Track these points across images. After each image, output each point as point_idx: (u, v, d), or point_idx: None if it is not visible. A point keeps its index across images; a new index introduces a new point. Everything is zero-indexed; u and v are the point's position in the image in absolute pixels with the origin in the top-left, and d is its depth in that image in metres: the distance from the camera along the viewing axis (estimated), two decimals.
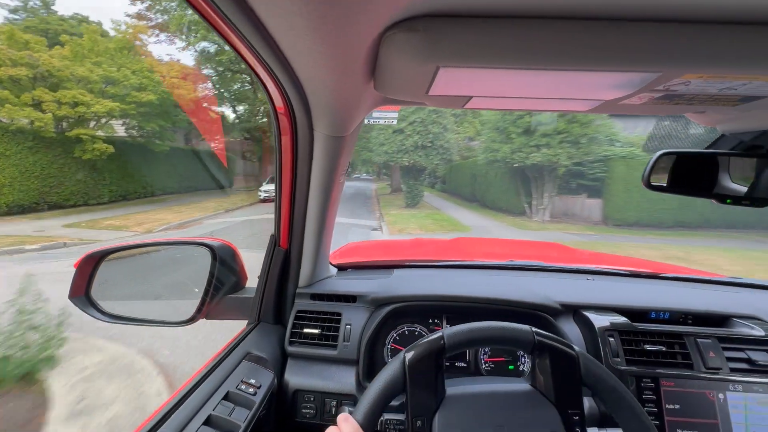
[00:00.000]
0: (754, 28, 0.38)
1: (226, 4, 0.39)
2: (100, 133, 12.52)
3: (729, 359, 0.82)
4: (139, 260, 1.17)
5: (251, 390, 0.77)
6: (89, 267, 0.96)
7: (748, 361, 0.82)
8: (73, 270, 0.93)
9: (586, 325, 0.91)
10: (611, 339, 0.85)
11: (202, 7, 0.41)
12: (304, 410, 0.89)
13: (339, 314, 1.00)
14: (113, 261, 1.02)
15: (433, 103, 0.66)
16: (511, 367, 0.96)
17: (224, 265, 1.02)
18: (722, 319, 0.93)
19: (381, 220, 12.01)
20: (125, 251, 1.04)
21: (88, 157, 11.66)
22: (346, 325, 0.98)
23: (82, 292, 0.95)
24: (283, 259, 1.01)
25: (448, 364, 0.99)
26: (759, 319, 0.91)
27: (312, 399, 0.90)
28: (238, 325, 1.03)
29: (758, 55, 0.39)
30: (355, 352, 0.95)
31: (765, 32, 0.38)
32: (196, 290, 0.98)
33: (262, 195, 18.65)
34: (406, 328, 1.01)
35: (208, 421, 0.66)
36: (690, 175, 0.77)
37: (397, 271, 1.22)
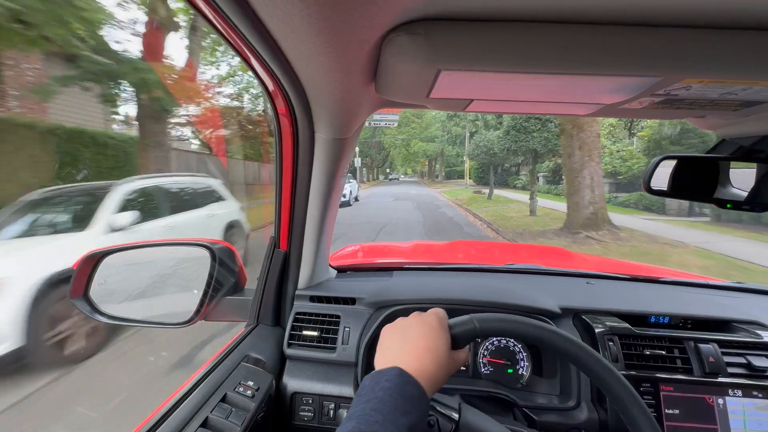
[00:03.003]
0: (754, 33, 0.38)
1: (228, 5, 0.40)
2: None
3: (728, 364, 0.82)
4: None
5: (249, 392, 0.76)
6: (88, 267, 0.96)
7: (748, 366, 0.81)
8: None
9: (586, 330, 0.91)
10: (611, 343, 0.85)
11: (203, 8, 0.41)
12: (302, 413, 0.89)
13: (338, 316, 1.00)
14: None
15: (434, 105, 0.66)
16: (510, 371, 0.96)
17: (223, 266, 1.02)
18: (722, 324, 0.93)
19: None
20: (125, 251, 1.04)
21: None
22: (345, 327, 0.98)
23: (81, 292, 0.94)
24: (282, 261, 1.01)
25: None
26: (760, 324, 0.91)
27: (310, 402, 0.89)
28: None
29: (758, 60, 0.39)
30: (354, 354, 0.94)
31: (765, 38, 0.38)
32: (195, 291, 0.98)
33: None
34: None
35: (205, 424, 0.66)
36: (690, 179, 0.77)
37: (396, 274, 1.22)
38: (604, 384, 0.51)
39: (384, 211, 13.06)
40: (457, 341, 0.55)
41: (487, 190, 18.75)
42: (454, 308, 0.98)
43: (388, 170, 52.80)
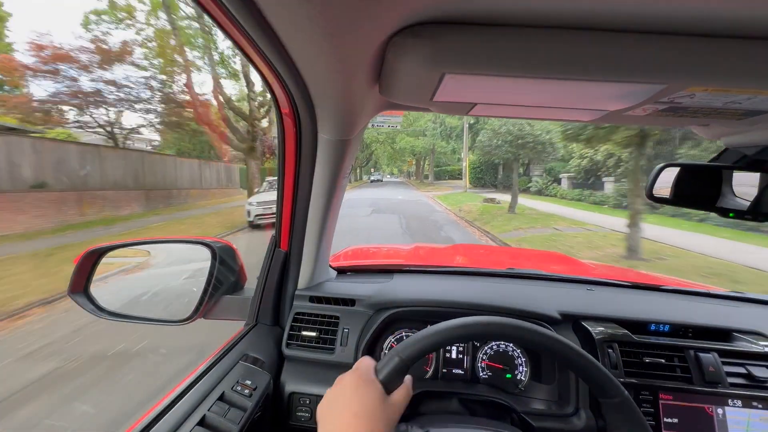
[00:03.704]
0: (759, 42, 0.38)
1: (234, 4, 0.40)
2: None
3: (729, 374, 0.81)
4: None
5: (247, 392, 0.76)
6: (89, 263, 0.96)
7: (749, 376, 0.81)
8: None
9: (585, 336, 0.90)
10: (610, 350, 0.84)
11: (210, 6, 0.41)
12: (299, 413, 0.89)
13: (337, 317, 1.00)
14: None
15: (438, 108, 0.66)
16: (508, 375, 0.95)
17: (224, 265, 1.02)
18: (723, 334, 0.93)
19: None
20: (126, 248, 1.04)
21: None
22: (344, 329, 0.97)
23: (81, 288, 0.94)
24: (282, 261, 1.01)
25: (445, 371, 0.98)
26: (761, 335, 0.90)
27: (307, 402, 0.89)
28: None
29: (763, 70, 0.39)
30: (353, 356, 0.94)
31: None
32: (195, 290, 0.98)
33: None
34: (404, 334, 1.01)
35: (202, 422, 0.66)
36: (693, 187, 0.77)
37: (396, 276, 1.21)
38: (531, 343, 0.55)
39: (352, 237, 7.69)
40: (388, 384, 0.53)
41: (496, 196, 14.62)
42: (454, 311, 0.98)
43: (372, 170, 49.19)
